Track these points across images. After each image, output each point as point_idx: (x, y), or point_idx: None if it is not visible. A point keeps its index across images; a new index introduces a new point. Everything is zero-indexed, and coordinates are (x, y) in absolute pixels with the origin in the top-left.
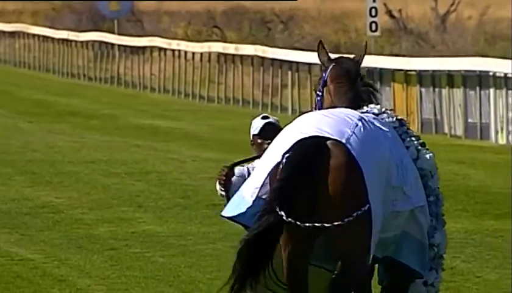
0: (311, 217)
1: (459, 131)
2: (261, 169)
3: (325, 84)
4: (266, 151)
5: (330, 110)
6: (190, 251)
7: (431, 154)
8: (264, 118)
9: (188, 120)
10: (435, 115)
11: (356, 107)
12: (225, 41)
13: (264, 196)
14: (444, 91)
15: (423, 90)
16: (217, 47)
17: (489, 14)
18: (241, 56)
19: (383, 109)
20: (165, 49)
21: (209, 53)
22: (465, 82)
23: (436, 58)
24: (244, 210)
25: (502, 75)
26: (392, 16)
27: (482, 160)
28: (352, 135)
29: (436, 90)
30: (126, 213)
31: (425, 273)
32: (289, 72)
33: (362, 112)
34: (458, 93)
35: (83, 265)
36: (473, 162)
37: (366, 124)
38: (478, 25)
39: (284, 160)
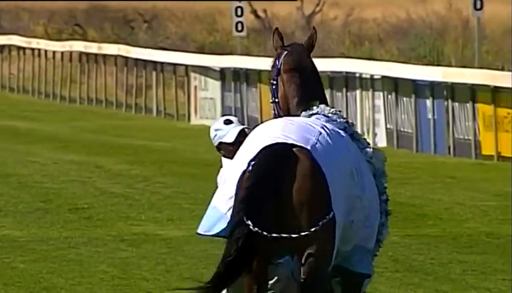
0: (277, 227)
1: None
2: (231, 178)
3: (278, 72)
4: (234, 159)
5: (292, 117)
6: (52, 257)
7: (382, 152)
8: (228, 122)
9: (48, 121)
10: None
11: (306, 105)
12: (86, 40)
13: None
14: None
15: None
16: (79, 46)
17: (354, 15)
18: (104, 55)
19: (333, 110)
20: (24, 48)
21: (71, 52)
22: (332, 83)
23: None
24: (225, 225)
25: (368, 76)
26: (257, 16)
27: None
28: (316, 142)
29: None
30: None
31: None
32: (154, 73)
33: (313, 114)
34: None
35: None
36: None
37: (329, 132)
38: (343, 26)
39: (250, 168)
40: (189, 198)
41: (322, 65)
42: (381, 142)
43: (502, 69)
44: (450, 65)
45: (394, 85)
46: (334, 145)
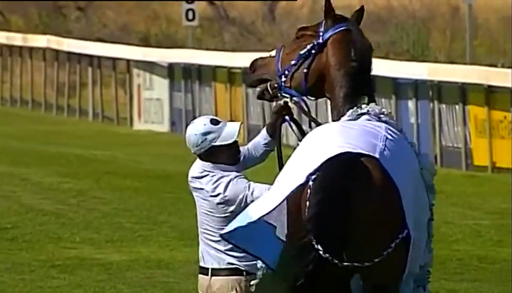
0: (345, 248)
1: (292, 140)
2: (278, 190)
3: (325, 43)
4: (284, 170)
5: (347, 122)
6: None
7: (433, 164)
8: (216, 123)
9: None
10: (264, 120)
11: (354, 102)
12: (9, 30)
13: (274, 222)
14: None
15: (249, 91)
16: (1, 37)
17: (322, 2)
18: (30, 48)
19: (384, 111)
20: None
21: None
22: None
23: (265, 53)
24: (244, 223)
25: None
26: (211, 2)
27: None
28: (384, 148)
29: None
30: None
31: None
32: (90, 69)
33: (362, 113)
34: None
35: None
36: None
37: (394, 135)
38: (311, 14)
39: (311, 183)
40: (131, 215)
41: None
42: None
43: (496, 66)
44: (436, 61)
45: None
46: (402, 151)
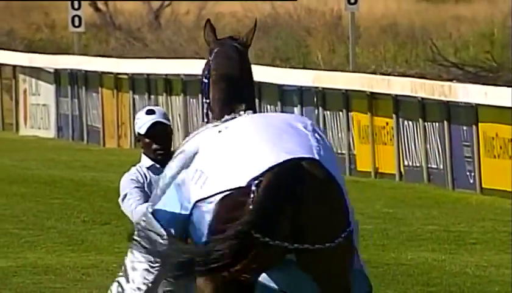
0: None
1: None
2: (211, 184)
3: (209, 71)
4: (214, 165)
5: (269, 116)
6: None
7: None
8: (149, 113)
9: None
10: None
11: (231, 110)
12: None
13: (203, 207)
14: (161, 99)
15: (136, 96)
16: None
17: (208, 9)
18: None
19: None
20: None
21: None
22: (186, 88)
23: (151, 60)
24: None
25: None
26: (97, 9)
27: None
28: (319, 149)
29: (152, 96)
30: None
31: None
32: None
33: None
34: (178, 100)
35: None
36: None
37: (318, 135)
38: (197, 21)
39: (254, 188)
40: (18, 221)
41: (174, 66)
42: None
43: (375, 73)
44: (321, 68)
45: (257, 90)
46: (329, 151)
